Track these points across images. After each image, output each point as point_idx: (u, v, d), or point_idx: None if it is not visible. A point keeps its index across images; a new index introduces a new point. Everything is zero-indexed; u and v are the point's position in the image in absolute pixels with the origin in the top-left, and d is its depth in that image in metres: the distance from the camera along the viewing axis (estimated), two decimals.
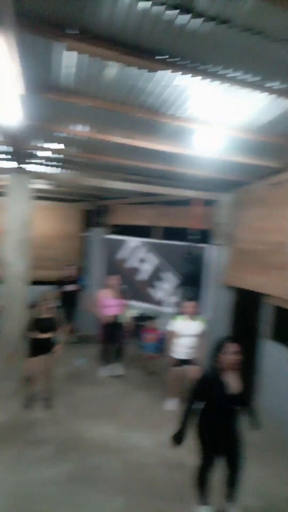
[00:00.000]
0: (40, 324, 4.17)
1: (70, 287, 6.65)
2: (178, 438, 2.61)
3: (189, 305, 4.39)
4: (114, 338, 5.39)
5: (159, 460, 3.52)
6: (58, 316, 4.38)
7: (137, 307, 7.08)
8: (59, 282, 6.69)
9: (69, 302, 6.66)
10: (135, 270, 7.21)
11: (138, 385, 5.18)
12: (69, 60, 2.37)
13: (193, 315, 4.41)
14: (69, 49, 2.22)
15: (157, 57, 2.26)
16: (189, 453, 2.96)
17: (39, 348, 4.18)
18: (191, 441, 2.68)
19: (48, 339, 4.22)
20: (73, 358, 5.92)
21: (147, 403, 4.67)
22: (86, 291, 6.97)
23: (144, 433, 3.98)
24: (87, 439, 3.78)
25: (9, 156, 4.73)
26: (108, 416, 4.27)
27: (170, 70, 2.37)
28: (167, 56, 2.27)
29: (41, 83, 2.70)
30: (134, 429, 4.04)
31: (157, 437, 3.89)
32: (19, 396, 4.31)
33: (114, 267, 7.27)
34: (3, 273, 4.79)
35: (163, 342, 5.61)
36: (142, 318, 6.88)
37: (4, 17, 1.55)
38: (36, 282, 5.80)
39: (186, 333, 4.37)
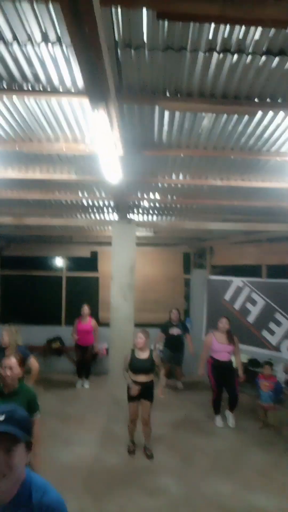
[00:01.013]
0: (135, 366, 4.09)
1: (175, 331, 6.61)
2: None
3: None
4: (226, 385, 5.09)
5: None
6: (158, 358, 4.27)
7: (249, 351, 6.63)
8: (164, 326, 6.70)
9: (175, 346, 6.60)
10: (243, 312, 6.86)
11: (256, 439, 4.69)
12: (162, 119, 2.60)
13: None
14: (164, 109, 2.43)
15: (255, 101, 2.30)
16: None
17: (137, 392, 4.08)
18: None
19: (145, 383, 4.09)
20: (181, 405, 5.77)
21: (268, 461, 4.17)
22: (191, 335, 6.85)
23: (267, 495, 3.52)
24: (200, 494, 3.52)
25: (113, 209, 5.23)
26: (224, 472, 3.94)
27: (271, 112, 2.38)
28: (268, 99, 2.29)
29: (138, 143, 2.99)
30: (254, 489, 3.62)
31: (283, 501, 3.40)
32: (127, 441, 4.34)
33: (221, 309, 7.05)
34: (110, 316, 5.09)
35: (281, 391, 5.06)
36: (256, 364, 6.38)
37: (106, 93, 1.81)
38: (140, 325, 6.01)
39: None
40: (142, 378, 4.08)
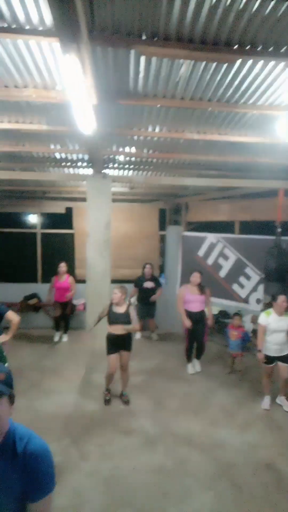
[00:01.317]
0: (113, 319, 4.25)
1: (148, 284, 6.81)
2: None
3: (281, 300, 4.19)
4: (196, 334, 5.38)
5: (247, 460, 3.41)
6: (133, 313, 4.38)
7: (220, 304, 6.95)
8: (138, 280, 6.90)
9: (148, 299, 6.83)
10: (216, 267, 7.08)
11: (223, 383, 5.09)
12: (138, 65, 2.46)
13: (284, 310, 4.20)
14: (140, 54, 2.29)
15: (235, 48, 2.20)
16: (280, 455, 2.81)
17: (115, 344, 4.29)
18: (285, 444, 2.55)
19: (123, 335, 4.28)
20: (155, 354, 6.09)
21: (232, 401, 4.56)
22: (162, 288, 7.08)
23: (232, 431, 3.89)
24: (173, 432, 3.85)
25: (87, 163, 5.07)
26: (193, 412, 4.29)
27: (251, 60, 2.30)
28: (249, 46, 2.19)
29: (112, 91, 2.84)
30: (221, 426, 3.99)
31: (245, 436, 3.78)
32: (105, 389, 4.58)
33: (194, 264, 7.24)
34: (86, 273, 5.13)
35: (247, 340, 5.41)
36: (226, 315, 6.73)
37: (77, 34, 1.67)
38: (117, 281, 6.10)
39: (277, 329, 4.18)
40: (119, 330, 4.25)
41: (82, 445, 3.56)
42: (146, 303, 6.82)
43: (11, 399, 1.30)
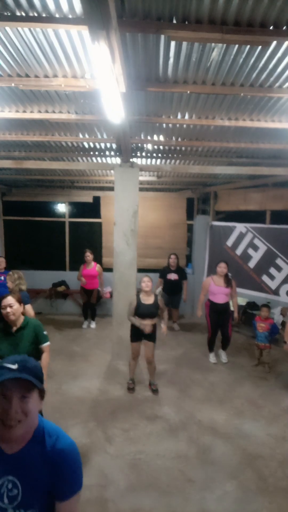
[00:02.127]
0: (141, 311, 4.24)
1: (172, 276, 6.77)
2: None
3: None
4: (220, 326, 5.34)
5: (273, 452, 3.39)
6: (162, 303, 4.38)
7: (249, 295, 6.84)
8: (162, 271, 6.88)
9: (172, 290, 6.82)
10: (245, 257, 6.94)
11: (249, 374, 5.04)
12: (168, 51, 2.40)
13: None
14: (170, 39, 2.23)
15: (270, 29, 2.10)
16: None
17: (140, 333, 4.29)
18: None
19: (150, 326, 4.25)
20: (180, 344, 6.11)
21: (258, 392, 4.52)
22: (189, 279, 7.04)
23: (257, 423, 3.87)
24: (197, 421, 3.88)
25: (115, 152, 5.06)
26: (218, 402, 4.29)
27: (287, 41, 2.18)
28: (285, 27, 2.08)
29: (142, 78, 2.80)
30: (246, 417, 3.97)
31: (271, 429, 3.75)
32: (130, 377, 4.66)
33: (222, 254, 7.14)
34: (113, 261, 5.18)
35: (276, 332, 5.30)
36: (254, 306, 6.61)
37: (107, 21, 1.65)
38: (143, 270, 6.11)
39: None
40: (147, 322, 4.25)
41: (107, 429, 3.66)
42: (170, 294, 6.82)
43: (41, 393, 1.29)
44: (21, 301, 2.85)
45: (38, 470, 1.23)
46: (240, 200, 7.27)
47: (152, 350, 4.39)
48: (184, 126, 3.90)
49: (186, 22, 2.09)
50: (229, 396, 4.44)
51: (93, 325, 7.05)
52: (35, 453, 1.24)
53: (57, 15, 2.05)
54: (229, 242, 7.21)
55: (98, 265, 6.87)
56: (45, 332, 2.90)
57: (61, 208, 8.42)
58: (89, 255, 6.75)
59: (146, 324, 4.22)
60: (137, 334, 4.34)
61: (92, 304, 7.03)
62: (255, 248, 6.76)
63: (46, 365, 2.87)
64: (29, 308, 3.74)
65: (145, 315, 4.24)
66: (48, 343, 2.90)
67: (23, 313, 2.90)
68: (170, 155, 5.22)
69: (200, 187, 7.83)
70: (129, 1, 1.93)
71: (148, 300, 4.28)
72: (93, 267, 6.80)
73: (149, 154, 5.23)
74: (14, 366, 1.20)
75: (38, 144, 4.78)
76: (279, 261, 6.37)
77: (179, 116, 3.62)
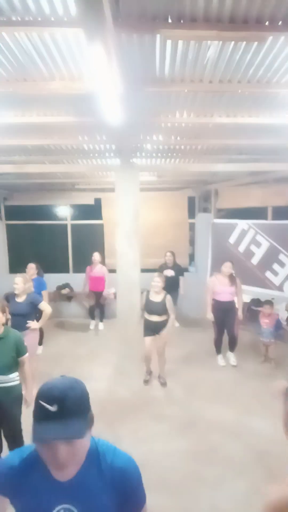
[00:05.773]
0: (149, 308, 4.47)
1: (169, 272, 6.85)
2: None
3: None
4: (225, 325, 5.31)
5: (284, 449, 3.36)
6: (170, 302, 4.51)
7: (253, 292, 6.82)
8: (159, 268, 6.99)
9: (168, 286, 6.83)
10: (248, 254, 6.92)
11: (256, 371, 5.02)
12: (164, 50, 2.40)
13: None
14: (166, 39, 2.23)
15: (266, 24, 2.09)
16: None
17: (150, 329, 4.51)
18: None
19: (158, 322, 4.48)
20: (185, 342, 6.10)
21: (266, 389, 4.50)
22: (192, 278, 7.06)
23: (267, 420, 3.85)
24: (206, 419, 3.87)
25: (115, 153, 5.06)
26: (226, 400, 4.28)
27: (283, 36, 2.18)
28: (280, 22, 2.08)
29: (138, 78, 2.80)
30: (254, 415, 3.96)
31: (278, 423, 3.72)
32: (139, 375, 4.67)
33: (225, 252, 7.12)
34: (116, 262, 5.20)
35: (280, 327, 5.28)
36: (259, 303, 6.58)
37: (102, 22, 1.65)
38: (146, 270, 6.11)
39: None
40: (155, 318, 4.48)
41: (116, 430, 3.67)
42: (167, 290, 6.83)
43: (91, 421, 1.16)
44: (4, 310, 2.87)
45: (97, 494, 1.14)
46: (241, 196, 7.26)
47: (165, 342, 4.56)
48: (183, 124, 3.89)
49: (182, 21, 2.09)
50: (237, 393, 4.43)
51: (101, 326, 7.07)
52: (91, 476, 1.15)
53: (52, 18, 2.06)
54: (232, 239, 7.19)
55: (104, 267, 6.93)
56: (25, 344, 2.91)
57: (63, 210, 8.43)
58: (96, 257, 6.82)
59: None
60: (149, 329, 4.52)
61: (101, 306, 7.06)
62: (258, 244, 6.74)
63: (30, 374, 2.92)
64: (44, 305, 3.98)
65: (152, 312, 4.47)
66: (26, 354, 2.90)
67: (7, 322, 2.92)
68: (169, 154, 5.22)
69: (200, 185, 7.81)
70: (124, 2, 1.93)
71: (156, 298, 4.47)
72: (100, 269, 6.86)
73: (148, 154, 5.23)
74: (53, 408, 1.03)
75: (38, 148, 4.80)
76: (282, 257, 6.34)
77: (177, 115, 3.62)
